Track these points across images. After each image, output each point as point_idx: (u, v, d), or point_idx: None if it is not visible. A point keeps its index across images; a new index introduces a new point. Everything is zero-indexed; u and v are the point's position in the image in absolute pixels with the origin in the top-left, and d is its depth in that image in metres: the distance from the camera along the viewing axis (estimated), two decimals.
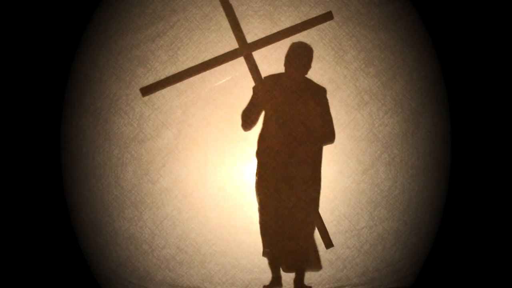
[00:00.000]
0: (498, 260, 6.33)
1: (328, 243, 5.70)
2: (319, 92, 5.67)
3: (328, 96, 5.71)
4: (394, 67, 5.78)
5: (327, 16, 5.68)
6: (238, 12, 5.69)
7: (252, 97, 5.68)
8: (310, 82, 5.68)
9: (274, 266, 5.74)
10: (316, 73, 5.70)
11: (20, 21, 6.26)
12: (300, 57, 5.67)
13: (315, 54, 5.70)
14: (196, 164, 5.72)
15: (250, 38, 5.68)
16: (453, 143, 6.08)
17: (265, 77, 5.69)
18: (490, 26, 6.34)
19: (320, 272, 5.78)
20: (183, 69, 5.71)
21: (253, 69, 5.67)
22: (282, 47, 5.69)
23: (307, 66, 5.69)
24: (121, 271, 5.87)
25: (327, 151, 5.73)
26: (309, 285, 5.75)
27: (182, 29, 5.73)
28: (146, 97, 5.71)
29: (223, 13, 5.69)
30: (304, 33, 5.70)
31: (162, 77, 5.72)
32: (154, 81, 5.72)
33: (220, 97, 5.73)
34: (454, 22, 6.29)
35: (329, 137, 5.68)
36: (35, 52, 6.26)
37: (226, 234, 5.74)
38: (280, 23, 5.70)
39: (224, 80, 5.69)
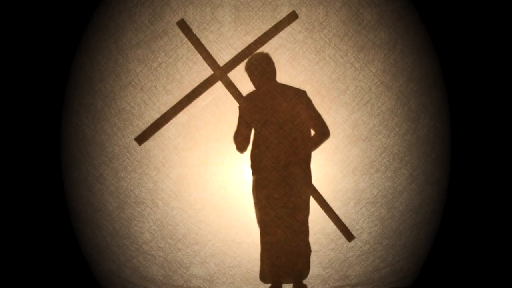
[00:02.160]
0: (498, 260, 6.33)
1: (349, 236, 5.69)
2: (301, 94, 5.63)
3: (328, 97, 5.71)
4: (394, 67, 5.78)
5: (292, 17, 5.66)
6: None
7: (239, 117, 5.64)
8: (287, 87, 5.65)
9: (274, 279, 5.72)
10: (316, 73, 5.70)
11: (20, 21, 6.26)
12: (260, 67, 5.63)
13: (315, 55, 5.70)
14: (196, 164, 5.72)
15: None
16: (453, 143, 6.08)
17: (244, 97, 5.65)
18: (490, 26, 6.35)
19: (321, 272, 5.78)
20: (186, 73, 5.71)
21: (232, 89, 5.65)
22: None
23: (273, 71, 5.65)
24: (121, 271, 5.87)
25: (327, 151, 5.72)
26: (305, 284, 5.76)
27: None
28: (149, 108, 5.71)
29: (225, 15, 5.69)
30: (308, 34, 5.69)
31: (164, 81, 5.72)
32: (145, 128, 5.71)
33: (220, 97, 5.72)
34: (454, 22, 6.29)
35: (325, 133, 5.65)
36: (35, 52, 6.26)
37: (226, 234, 5.73)
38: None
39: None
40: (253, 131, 5.65)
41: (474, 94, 6.34)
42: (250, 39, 5.65)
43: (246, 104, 5.62)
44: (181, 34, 5.72)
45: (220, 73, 5.65)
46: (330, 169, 5.70)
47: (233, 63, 5.66)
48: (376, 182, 5.76)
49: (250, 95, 5.64)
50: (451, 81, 6.18)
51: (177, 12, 5.72)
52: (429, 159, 5.87)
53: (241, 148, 5.67)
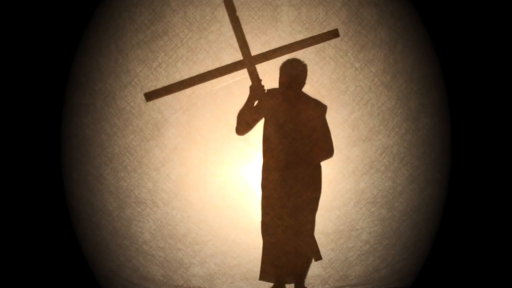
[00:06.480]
0: (498, 260, 6.34)
1: (317, 257, 5.68)
2: (320, 107, 5.63)
3: (328, 97, 5.71)
4: (394, 67, 5.78)
5: (332, 34, 5.64)
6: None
7: (249, 97, 5.63)
8: (309, 97, 5.65)
9: (276, 278, 5.72)
10: (317, 73, 5.70)
11: (20, 21, 6.27)
12: (296, 72, 5.62)
13: (315, 55, 5.70)
14: (196, 164, 5.73)
15: (252, 45, 5.66)
16: (453, 143, 6.09)
17: (268, 90, 5.65)
18: (490, 26, 6.35)
19: (321, 272, 5.78)
20: (186, 73, 5.71)
21: (253, 75, 5.64)
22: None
23: (303, 83, 5.64)
24: (121, 271, 5.87)
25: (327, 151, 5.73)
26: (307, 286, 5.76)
27: (182, 29, 5.73)
28: (150, 102, 5.69)
29: (225, 15, 5.69)
30: (308, 34, 5.69)
31: (164, 81, 5.72)
32: (159, 87, 5.69)
33: (220, 98, 5.73)
34: (454, 22, 6.30)
35: (329, 152, 5.64)
36: (35, 52, 6.26)
37: (226, 234, 5.74)
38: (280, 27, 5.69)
39: (224, 84, 5.68)
40: (264, 127, 5.64)
41: (474, 94, 6.34)
42: (249, 38, 5.66)
43: (268, 96, 5.61)
44: (181, 34, 5.72)
45: (249, 62, 5.62)
46: (330, 169, 5.70)
47: (263, 57, 5.64)
48: (376, 182, 5.76)
49: (274, 91, 5.64)
50: (451, 81, 6.18)
51: (177, 12, 5.73)
52: (429, 159, 5.87)
53: (241, 131, 5.65)
